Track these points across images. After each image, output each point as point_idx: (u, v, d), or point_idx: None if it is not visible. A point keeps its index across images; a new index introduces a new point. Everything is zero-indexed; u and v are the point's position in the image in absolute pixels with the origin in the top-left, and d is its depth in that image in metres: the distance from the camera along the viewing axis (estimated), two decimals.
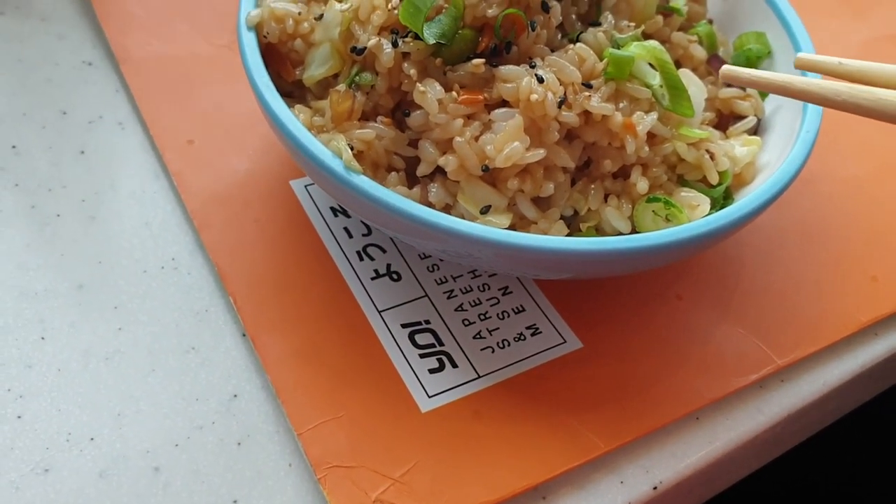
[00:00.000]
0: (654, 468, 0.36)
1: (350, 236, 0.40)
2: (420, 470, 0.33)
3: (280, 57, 0.38)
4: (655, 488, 0.35)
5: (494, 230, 0.32)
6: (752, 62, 0.43)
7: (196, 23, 0.47)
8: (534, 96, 0.33)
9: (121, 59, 0.45)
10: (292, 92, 0.38)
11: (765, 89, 0.33)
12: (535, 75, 0.34)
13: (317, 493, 0.33)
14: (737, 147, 0.39)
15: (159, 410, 0.34)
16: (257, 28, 0.37)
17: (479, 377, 0.37)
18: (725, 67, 0.33)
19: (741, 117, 0.41)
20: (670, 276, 0.41)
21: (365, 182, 0.33)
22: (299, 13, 0.37)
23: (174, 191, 0.41)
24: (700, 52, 0.41)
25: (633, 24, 0.39)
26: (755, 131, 0.41)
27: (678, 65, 0.41)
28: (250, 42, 0.37)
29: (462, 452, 0.34)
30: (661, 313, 0.40)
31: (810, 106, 0.39)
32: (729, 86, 0.42)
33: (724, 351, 0.39)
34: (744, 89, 0.41)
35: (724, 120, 0.41)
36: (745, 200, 0.35)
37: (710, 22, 0.44)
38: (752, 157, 0.39)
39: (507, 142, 0.33)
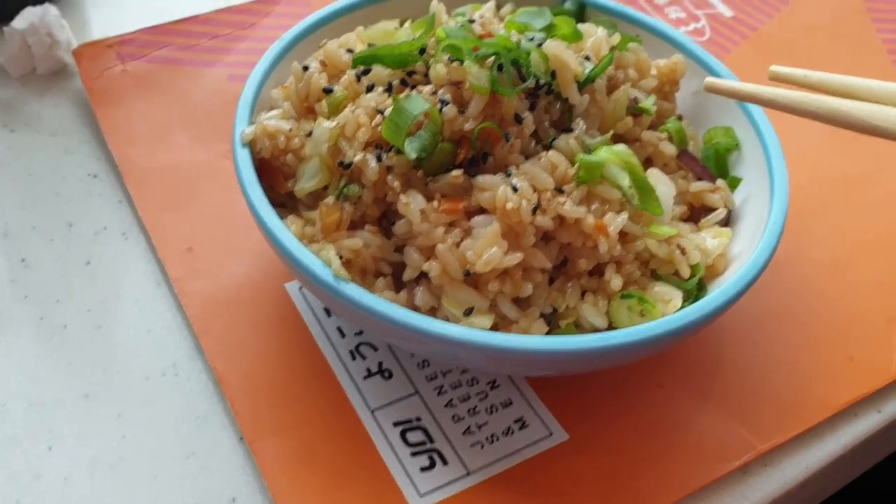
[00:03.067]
0: None
1: (343, 336, 0.42)
2: None
3: (273, 170, 0.40)
4: None
5: (476, 332, 0.34)
6: (720, 155, 0.45)
7: (194, 134, 0.50)
8: (509, 204, 0.35)
9: (124, 171, 0.48)
10: (285, 202, 0.41)
11: (740, 98, 0.40)
12: (510, 184, 0.36)
13: None
14: (708, 239, 0.41)
15: None
16: (251, 144, 0.40)
17: (469, 474, 0.38)
18: (708, 80, 0.39)
19: (712, 209, 0.43)
20: (652, 365, 0.43)
21: (353, 290, 0.35)
22: (290, 130, 0.40)
23: (175, 297, 0.43)
24: (670, 149, 0.43)
25: (603, 128, 0.42)
26: (726, 222, 0.43)
27: (649, 162, 0.44)
28: (244, 158, 0.39)
29: None
30: (644, 402, 0.41)
31: (777, 195, 0.41)
32: (699, 179, 0.44)
33: (707, 438, 0.40)
34: (713, 182, 0.43)
35: (696, 212, 0.43)
36: (714, 295, 0.36)
37: (680, 118, 0.46)
38: (722, 249, 0.41)
39: (486, 247, 0.35)
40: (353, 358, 0.41)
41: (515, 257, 0.36)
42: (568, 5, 0.50)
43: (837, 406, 0.42)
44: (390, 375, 0.41)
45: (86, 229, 0.46)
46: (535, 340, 0.34)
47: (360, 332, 0.42)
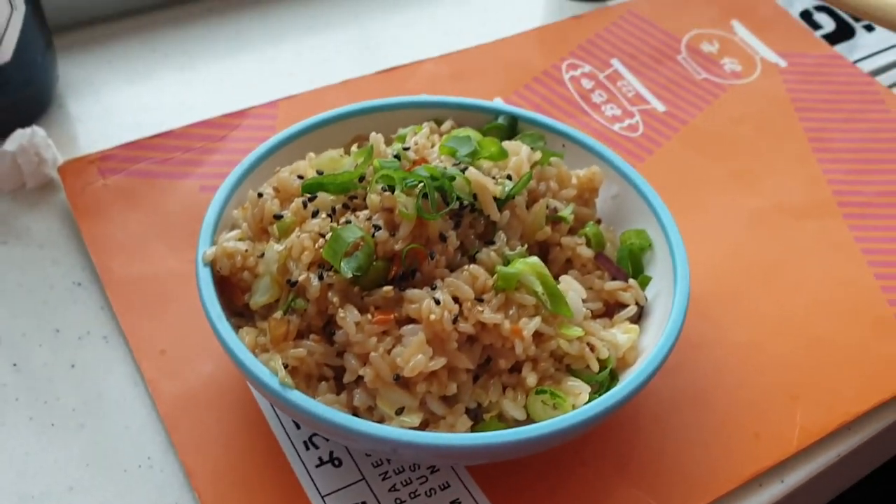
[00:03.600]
0: None
1: (298, 428, 0.47)
2: None
3: (231, 286, 0.46)
4: None
5: (404, 431, 0.39)
6: (635, 255, 0.51)
7: (169, 243, 0.56)
8: (432, 315, 0.41)
9: (105, 280, 0.54)
10: (242, 312, 0.46)
11: None
12: (434, 297, 0.42)
13: None
14: (618, 335, 0.46)
15: None
16: (212, 263, 0.46)
17: None
18: None
19: (624, 305, 0.48)
20: (575, 445, 0.48)
21: (296, 396, 0.40)
22: (246, 250, 0.45)
23: (149, 396, 0.48)
24: (587, 252, 0.49)
25: (525, 237, 0.48)
26: (639, 316, 0.49)
27: (569, 263, 0.49)
28: (205, 276, 0.45)
29: None
30: (568, 480, 0.46)
31: (678, 294, 0.46)
32: (614, 279, 0.49)
33: None
34: (626, 280, 0.49)
35: (611, 308, 0.49)
36: (616, 390, 0.42)
37: (599, 222, 0.52)
38: (632, 343, 0.46)
39: (413, 354, 0.41)
40: (307, 448, 0.46)
41: (440, 362, 0.41)
42: (501, 120, 0.56)
43: (743, 478, 0.47)
44: (340, 463, 0.46)
45: (71, 335, 0.51)
46: (456, 437, 0.39)
47: None
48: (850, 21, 0.83)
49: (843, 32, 0.82)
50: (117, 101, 0.67)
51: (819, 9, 0.84)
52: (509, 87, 0.70)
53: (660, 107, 0.71)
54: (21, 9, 0.59)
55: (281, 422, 0.47)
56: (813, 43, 0.78)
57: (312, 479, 0.45)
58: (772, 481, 0.48)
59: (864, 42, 0.80)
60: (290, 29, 0.74)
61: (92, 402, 0.48)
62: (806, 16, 0.82)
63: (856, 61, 0.77)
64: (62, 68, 0.67)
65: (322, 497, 0.44)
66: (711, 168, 0.66)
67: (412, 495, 0.45)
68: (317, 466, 0.46)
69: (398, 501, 0.45)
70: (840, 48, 0.78)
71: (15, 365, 0.50)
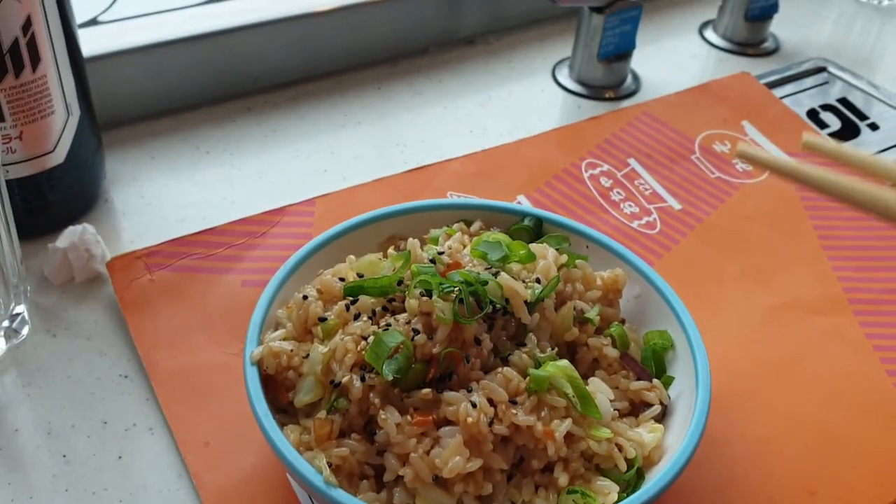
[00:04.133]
0: None
1: None
2: None
3: (277, 384, 0.48)
4: None
5: None
6: (658, 354, 0.53)
7: (211, 336, 0.58)
8: (469, 419, 0.44)
9: (150, 372, 0.56)
10: (286, 409, 0.49)
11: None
12: (470, 400, 0.44)
13: None
14: (644, 434, 0.49)
15: None
16: (259, 363, 0.48)
17: None
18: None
19: (649, 405, 0.51)
20: None
21: (340, 494, 0.43)
22: (291, 350, 0.48)
23: (193, 487, 0.51)
24: (612, 352, 0.52)
25: (554, 337, 0.50)
26: (662, 415, 0.51)
27: (596, 363, 0.52)
28: (253, 375, 0.47)
29: None
30: None
31: (700, 395, 0.49)
32: (639, 378, 0.52)
33: None
34: (650, 381, 0.51)
35: (636, 406, 0.51)
36: (641, 492, 0.44)
37: (623, 322, 0.55)
38: (657, 442, 0.48)
39: (451, 456, 0.43)
40: None
41: (476, 463, 0.43)
42: (527, 222, 0.59)
43: None
44: None
45: (118, 426, 0.54)
46: None
47: None
48: (856, 120, 0.86)
49: (849, 131, 0.85)
50: (160, 195, 0.70)
51: (825, 108, 0.88)
52: (532, 184, 0.73)
53: (676, 205, 0.74)
54: (77, 114, 0.63)
55: None
56: None
57: None
58: None
59: (869, 140, 0.84)
60: (324, 128, 0.78)
61: (138, 493, 0.50)
62: (812, 114, 0.86)
63: None
64: (108, 164, 0.71)
65: None
66: (726, 264, 0.68)
67: None
68: None
69: None
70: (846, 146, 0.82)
71: (64, 456, 0.52)
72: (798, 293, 0.67)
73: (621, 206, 0.73)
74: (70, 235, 0.62)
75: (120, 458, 0.52)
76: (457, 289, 0.47)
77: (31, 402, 0.55)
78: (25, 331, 0.59)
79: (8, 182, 0.59)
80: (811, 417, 0.58)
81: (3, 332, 0.57)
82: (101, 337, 0.59)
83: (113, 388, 0.56)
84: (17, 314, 0.59)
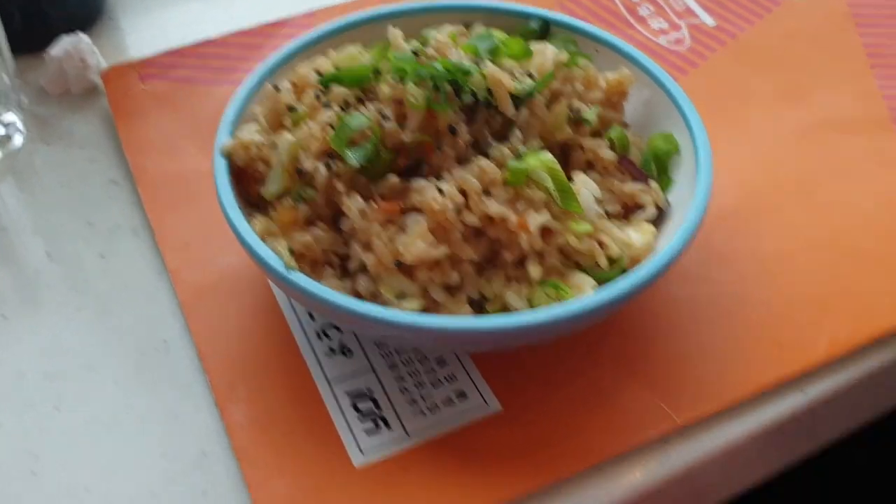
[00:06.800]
0: None
1: (313, 319, 0.48)
2: None
3: (247, 177, 0.46)
4: None
5: (402, 313, 0.40)
6: (660, 159, 0.49)
7: (200, 145, 0.57)
8: (435, 205, 0.41)
9: (137, 177, 0.55)
10: (259, 204, 0.47)
11: None
12: (438, 188, 0.42)
13: None
14: (632, 234, 0.45)
15: (143, 465, 0.42)
16: (229, 155, 0.46)
17: (409, 437, 0.43)
18: None
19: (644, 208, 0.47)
20: (588, 347, 0.47)
21: (300, 278, 0.41)
22: (261, 142, 0.46)
23: (171, 285, 0.50)
24: (608, 155, 0.48)
25: (544, 138, 0.47)
26: (660, 220, 0.48)
27: (590, 167, 0.48)
28: (221, 166, 0.46)
29: (388, 503, 0.41)
30: (576, 379, 0.46)
31: (700, 188, 0.45)
32: (634, 180, 0.48)
33: (630, 411, 0.45)
34: (647, 183, 0.48)
35: (630, 212, 0.48)
36: (619, 283, 0.41)
37: (626, 125, 0.51)
38: (647, 244, 0.45)
39: (414, 242, 0.41)
40: (319, 338, 0.47)
41: (442, 250, 0.41)
42: (533, 24, 0.55)
43: (760, 386, 0.46)
44: (350, 353, 0.47)
45: (102, 227, 0.53)
46: (451, 320, 0.39)
47: None
48: None
49: None
50: (167, 16, 0.68)
51: None
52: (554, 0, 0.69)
53: (709, 21, 0.68)
54: None
55: (296, 312, 0.48)
56: None
57: (322, 367, 0.46)
58: (792, 392, 0.47)
59: None
60: None
61: (117, 290, 0.50)
62: None
63: None
64: None
65: (329, 383, 0.45)
66: (757, 83, 0.63)
67: (418, 385, 0.45)
68: (327, 355, 0.46)
69: (403, 390, 0.45)
70: None
71: (48, 254, 0.52)
72: (837, 112, 0.61)
73: (649, 21, 0.68)
74: (65, 45, 0.61)
75: (102, 257, 0.52)
76: (432, 76, 0.44)
77: (20, 204, 0.55)
78: (19, 139, 0.58)
79: None
80: (836, 239, 0.53)
81: None
82: (94, 145, 0.58)
83: (101, 193, 0.55)
84: (10, 122, 0.58)
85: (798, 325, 0.49)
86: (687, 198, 0.47)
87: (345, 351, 0.47)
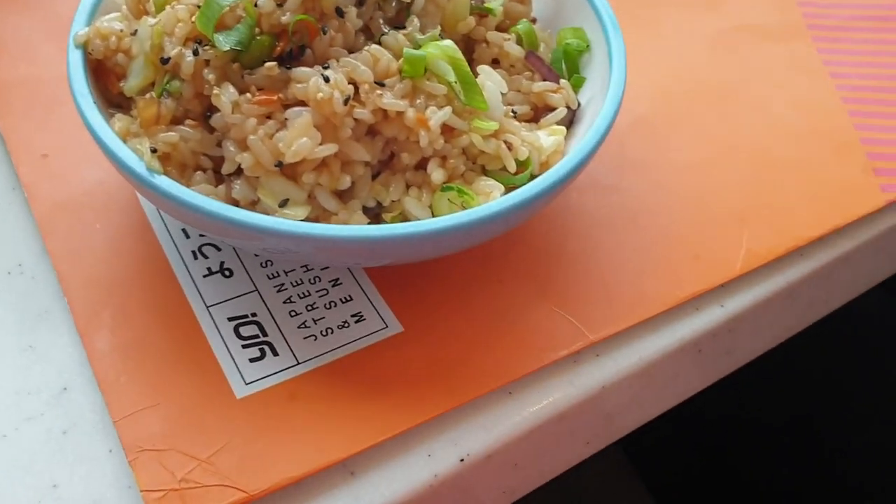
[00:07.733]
0: (461, 441, 0.38)
1: (187, 237, 0.43)
2: (229, 451, 0.36)
3: (106, 71, 0.40)
4: (462, 460, 0.38)
5: (279, 220, 0.35)
6: (571, 56, 0.45)
7: (60, 43, 0.49)
8: (319, 94, 0.36)
9: None
10: (121, 103, 0.41)
11: None
12: (322, 76, 0.37)
13: (131, 476, 0.35)
14: (542, 137, 0.41)
15: None
16: (85, 46, 0.40)
17: (299, 363, 0.39)
18: None
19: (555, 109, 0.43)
20: (495, 262, 0.43)
21: (164, 182, 0.36)
22: (122, 30, 0.40)
23: (26, 202, 0.44)
24: (516, 50, 0.44)
25: (445, 28, 0.42)
26: (571, 121, 0.44)
27: (496, 63, 0.44)
28: (75, 59, 0.40)
29: (273, 434, 0.37)
30: (482, 297, 0.42)
31: (609, 97, 0.41)
32: (544, 80, 0.44)
33: (540, 329, 0.41)
34: (557, 82, 0.44)
35: (540, 112, 0.44)
36: (526, 187, 0.37)
37: (534, 21, 0.46)
38: (557, 146, 0.41)
39: (296, 138, 0.36)
40: (196, 258, 0.42)
41: (329, 148, 0.36)
42: None
43: (676, 300, 0.43)
44: (231, 274, 0.42)
45: None
46: (336, 229, 0.35)
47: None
48: None
49: None
50: None
51: None
52: None
53: None
54: None
55: (168, 229, 0.43)
56: None
57: (198, 289, 0.41)
58: (710, 305, 0.44)
59: None
60: None
61: None
62: None
63: None
64: None
65: (207, 307, 0.40)
66: None
67: (309, 307, 0.41)
68: (204, 277, 0.41)
69: (293, 314, 0.41)
70: None
71: None
72: (751, 18, 0.58)
73: None
74: None
75: None
76: None
77: None
78: None
79: None
80: (751, 143, 0.51)
81: None
82: None
83: None
84: None
85: (715, 237, 0.46)
86: (599, 97, 0.43)
87: (224, 271, 0.42)
